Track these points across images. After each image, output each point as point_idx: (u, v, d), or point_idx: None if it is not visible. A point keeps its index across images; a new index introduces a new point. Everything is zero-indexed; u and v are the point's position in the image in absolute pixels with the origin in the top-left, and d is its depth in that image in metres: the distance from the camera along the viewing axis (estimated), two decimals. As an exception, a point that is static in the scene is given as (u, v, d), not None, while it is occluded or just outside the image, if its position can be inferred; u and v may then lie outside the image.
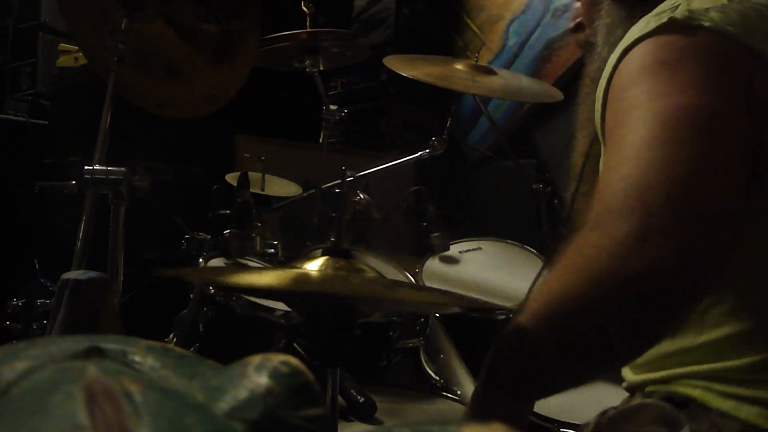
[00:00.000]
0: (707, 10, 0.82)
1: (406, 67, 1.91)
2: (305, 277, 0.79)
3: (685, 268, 0.68)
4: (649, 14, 0.87)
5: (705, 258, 0.69)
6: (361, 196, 1.91)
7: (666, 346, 0.86)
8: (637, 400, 0.91)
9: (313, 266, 0.82)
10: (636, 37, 0.84)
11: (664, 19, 0.83)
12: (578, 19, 1.19)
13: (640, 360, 0.89)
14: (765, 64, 0.81)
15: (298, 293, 0.80)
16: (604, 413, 0.93)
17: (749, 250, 0.80)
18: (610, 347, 0.74)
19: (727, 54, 0.81)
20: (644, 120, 0.76)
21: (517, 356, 0.80)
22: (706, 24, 0.81)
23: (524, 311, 0.78)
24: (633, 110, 0.78)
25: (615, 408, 0.92)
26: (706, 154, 0.73)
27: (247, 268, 0.86)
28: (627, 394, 0.97)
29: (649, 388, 0.90)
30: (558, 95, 2.06)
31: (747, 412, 0.80)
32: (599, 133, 0.91)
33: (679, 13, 0.83)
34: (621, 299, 0.69)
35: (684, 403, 0.84)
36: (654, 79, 0.80)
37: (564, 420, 1.26)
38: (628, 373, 0.95)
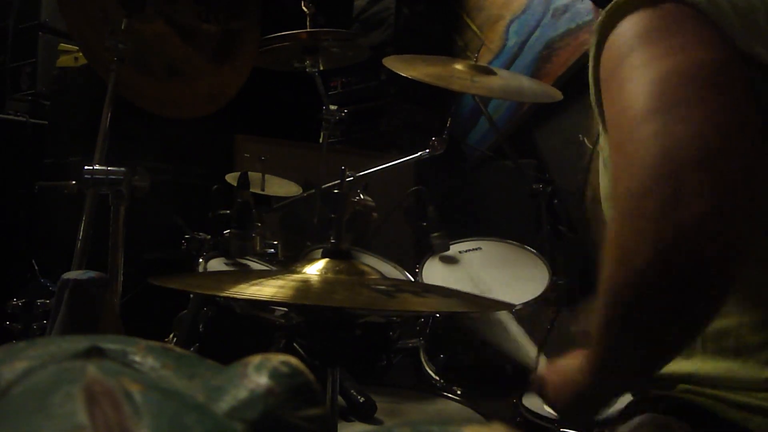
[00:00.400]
0: None
1: (406, 68, 1.91)
2: (306, 287, 0.79)
3: (725, 228, 0.65)
4: None
5: (741, 216, 0.66)
6: (361, 196, 1.91)
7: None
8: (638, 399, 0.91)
9: (313, 270, 0.82)
10: (611, 9, 0.82)
11: None
12: None
13: None
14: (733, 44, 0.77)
15: (299, 305, 0.80)
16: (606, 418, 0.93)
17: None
18: (668, 326, 0.71)
19: (712, 23, 0.78)
20: (647, 85, 0.73)
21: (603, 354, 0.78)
22: None
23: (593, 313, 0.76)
24: (631, 80, 0.75)
25: (612, 414, 0.92)
26: (720, 109, 0.69)
27: (246, 277, 0.86)
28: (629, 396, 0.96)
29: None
30: (558, 95, 2.06)
31: (758, 423, 0.78)
32: (597, 116, 0.89)
33: None
34: (665, 276, 0.66)
35: (690, 412, 0.83)
36: (647, 45, 0.77)
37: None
38: None
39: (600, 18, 0.83)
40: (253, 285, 0.81)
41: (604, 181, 0.95)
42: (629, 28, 0.79)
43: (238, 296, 1.00)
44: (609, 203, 0.89)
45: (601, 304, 0.73)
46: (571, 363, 0.85)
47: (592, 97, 0.88)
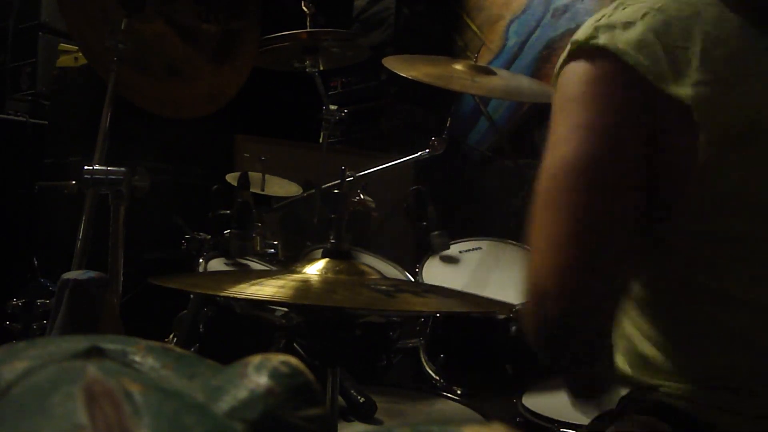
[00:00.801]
0: (612, 27, 0.80)
1: (406, 68, 1.91)
2: (306, 287, 0.79)
3: (576, 319, 0.78)
4: (591, 18, 0.85)
5: (589, 309, 0.79)
6: (361, 196, 1.91)
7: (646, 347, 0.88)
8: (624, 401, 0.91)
9: (313, 270, 0.82)
10: (571, 49, 0.85)
11: (579, 38, 0.83)
12: None
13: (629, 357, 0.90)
14: (657, 90, 0.78)
15: (299, 305, 0.80)
16: (599, 417, 0.93)
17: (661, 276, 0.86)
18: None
19: (626, 82, 0.80)
20: (545, 172, 0.81)
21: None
22: (602, 43, 0.80)
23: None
24: (551, 145, 0.82)
25: (609, 412, 0.92)
26: (594, 208, 0.78)
27: (247, 277, 0.86)
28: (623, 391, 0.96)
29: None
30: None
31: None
32: None
33: (584, 34, 0.82)
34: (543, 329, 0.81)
35: (673, 415, 0.83)
36: (556, 119, 0.82)
37: (564, 420, 1.27)
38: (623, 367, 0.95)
39: (564, 54, 0.86)
40: (253, 285, 0.81)
41: None
42: (568, 79, 0.84)
43: (239, 296, 1.00)
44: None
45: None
46: None
47: None
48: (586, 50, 0.81)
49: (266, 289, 0.78)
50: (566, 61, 0.84)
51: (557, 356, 0.84)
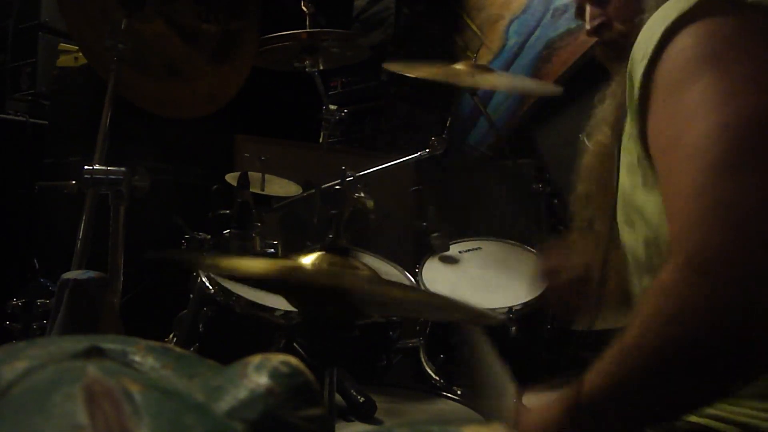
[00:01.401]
0: None
1: (406, 69, 1.91)
2: (299, 267, 0.79)
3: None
4: None
5: None
6: (361, 194, 1.91)
7: None
8: None
9: (307, 260, 0.82)
10: (676, 15, 0.76)
11: None
12: (598, 21, 1.09)
13: None
14: None
15: (289, 283, 0.80)
16: None
17: None
18: (702, 389, 0.68)
19: None
20: (721, 131, 0.68)
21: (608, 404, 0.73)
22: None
23: (616, 353, 0.71)
24: (697, 119, 0.70)
25: None
26: None
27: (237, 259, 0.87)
28: None
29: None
30: (557, 90, 2.07)
31: None
32: (633, 118, 0.84)
33: None
34: (725, 343, 0.63)
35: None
36: (714, 75, 0.71)
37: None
38: None
39: (665, 24, 0.77)
40: (245, 261, 0.81)
41: (627, 184, 0.92)
42: (695, 42, 0.74)
43: (232, 272, 0.99)
44: (651, 223, 0.87)
45: (630, 344, 0.69)
46: (555, 399, 0.79)
47: (634, 98, 0.83)
48: (717, 6, 0.74)
49: (258, 264, 0.78)
50: (683, 22, 0.75)
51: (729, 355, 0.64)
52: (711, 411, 0.82)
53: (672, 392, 0.67)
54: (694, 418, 0.84)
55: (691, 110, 0.71)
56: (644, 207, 0.88)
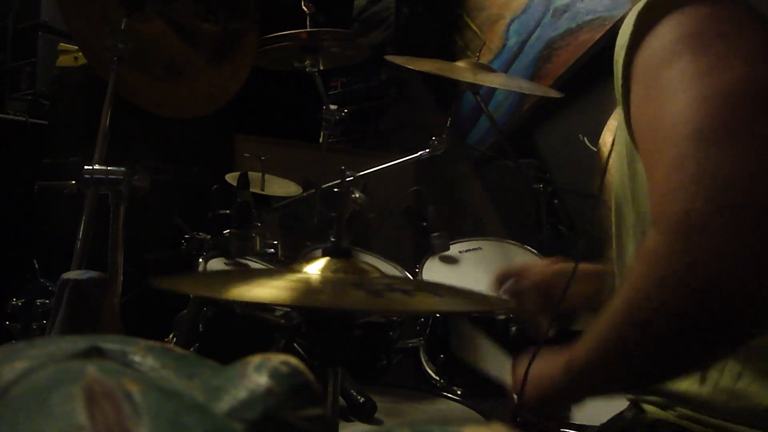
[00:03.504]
0: None
1: (410, 63, 1.90)
2: (307, 288, 0.78)
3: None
4: None
5: None
6: (357, 194, 1.90)
7: None
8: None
9: (313, 269, 0.82)
10: (655, 3, 0.77)
11: None
12: None
13: None
14: None
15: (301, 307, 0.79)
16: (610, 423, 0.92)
17: None
18: (695, 351, 0.70)
19: (761, 24, 0.73)
20: (701, 103, 0.69)
21: (601, 362, 0.76)
22: None
23: (606, 319, 0.74)
24: (680, 92, 0.71)
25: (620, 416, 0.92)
26: None
27: (246, 278, 0.86)
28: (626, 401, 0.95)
29: (650, 413, 0.88)
30: (556, 94, 2.07)
31: None
32: (620, 106, 0.85)
33: None
34: (716, 303, 0.64)
35: None
36: (695, 52, 0.72)
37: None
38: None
39: (639, 9, 0.79)
40: (252, 287, 0.81)
41: (617, 175, 0.93)
42: (673, 28, 0.75)
43: (237, 299, 0.99)
44: (642, 216, 0.87)
45: (622, 309, 0.72)
46: (551, 361, 0.84)
47: (618, 87, 0.84)
48: None
49: (266, 289, 0.78)
50: (661, 10, 0.76)
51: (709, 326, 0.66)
52: (688, 413, 0.83)
53: (661, 354, 0.70)
54: (671, 418, 0.85)
55: (670, 88, 0.73)
56: (633, 194, 0.89)
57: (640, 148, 0.80)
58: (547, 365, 0.83)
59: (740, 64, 0.70)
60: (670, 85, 0.73)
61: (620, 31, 0.83)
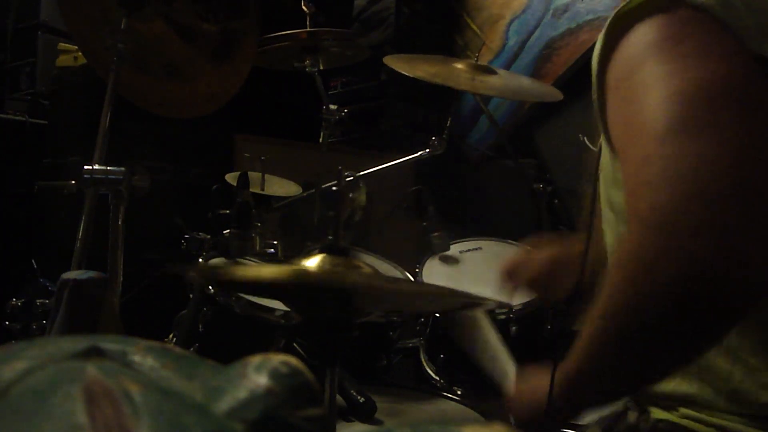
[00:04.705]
0: None
1: (407, 68, 1.90)
2: (304, 271, 0.79)
3: (759, 255, 0.64)
4: None
5: (747, 255, 0.65)
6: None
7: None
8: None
9: (311, 263, 0.82)
10: (623, 14, 0.80)
11: None
12: None
13: None
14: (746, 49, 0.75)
15: (297, 288, 0.80)
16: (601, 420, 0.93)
17: None
18: (677, 347, 0.71)
19: (726, 28, 0.75)
20: (666, 101, 0.71)
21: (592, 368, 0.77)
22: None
23: (589, 325, 0.75)
24: (648, 93, 0.73)
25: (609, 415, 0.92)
26: (739, 130, 0.68)
27: (246, 265, 0.87)
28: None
29: (654, 414, 0.88)
30: (558, 95, 2.06)
31: None
32: (599, 121, 0.87)
33: None
34: (691, 294, 0.66)
35: None
36: (662, 57, 0.75)
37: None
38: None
39: (609, 20, 0.81)
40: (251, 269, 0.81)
41: (603, 181, 0.94)
42: (642, 36, 0.78)
43: (237, 281, 0.99)
44: (621, 215, 0.88)
45: (602, 314, 0.73)
46: (546, 378, 0.82)
47: (595, 99, 0.86)
48: (658, 5, 0.77)
49: (265, 271, 0.78)
50: (631, 19, 0.78)
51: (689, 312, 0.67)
52: (691, 413, 0.83)
53: (649, 351, 0.72)
54: (674, 418, 0.85)
55: (639, 92, 0.75)
56: (616, 200, 0.90)
57: (616, 150, 0.82)
58: (542, 382, 0.82)
59: (702, 64, 0.73)
60: (638, 89, 0.75)
61: (595, 45, 0.85)
